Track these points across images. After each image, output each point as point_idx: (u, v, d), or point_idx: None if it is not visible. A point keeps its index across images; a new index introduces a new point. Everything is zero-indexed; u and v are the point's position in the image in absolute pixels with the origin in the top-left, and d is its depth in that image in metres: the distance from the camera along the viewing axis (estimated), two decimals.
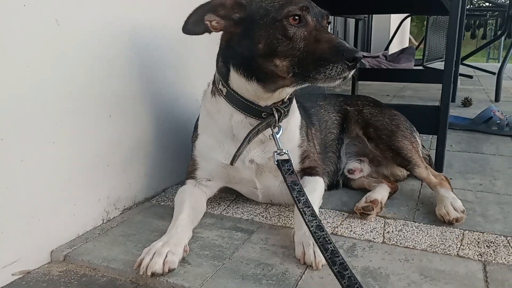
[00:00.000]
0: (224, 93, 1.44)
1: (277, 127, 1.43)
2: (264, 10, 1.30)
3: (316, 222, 1.21)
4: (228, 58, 1.41)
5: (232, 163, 1.44)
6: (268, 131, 1.44)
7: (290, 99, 1.49)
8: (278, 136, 1.42)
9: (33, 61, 1.22)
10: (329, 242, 1.15)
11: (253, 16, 1.31)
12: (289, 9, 1.27)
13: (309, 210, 1.25)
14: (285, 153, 1.40)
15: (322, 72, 1.23)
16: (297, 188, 1.31)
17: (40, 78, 1.25)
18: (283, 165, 1.38)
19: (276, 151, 1.40)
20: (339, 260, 1.11)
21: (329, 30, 1.36)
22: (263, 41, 1.29)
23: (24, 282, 1.20)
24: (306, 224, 1.21)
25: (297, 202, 1.27)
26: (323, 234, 1.17)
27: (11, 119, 1.18)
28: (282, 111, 1.43)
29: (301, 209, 1.25)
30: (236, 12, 1.33)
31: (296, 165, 1.55)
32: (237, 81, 1.41)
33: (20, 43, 1.18)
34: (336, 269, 1.08)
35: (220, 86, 1.45)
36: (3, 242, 1.18)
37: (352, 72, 1.24)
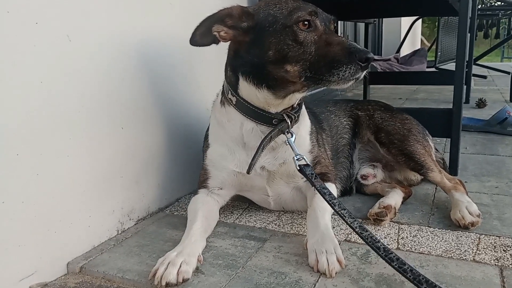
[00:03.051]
0: (234, 102, 1.45)
1: (290, 133, 1.44)
2: (272, 17, 1.31)
3: (358, 223, 1.24)
4: (237, 67, 1.42)
5: (248, 171, 1.44)
6: (279, 137, 1.45)
7: (299, 105, 1.50)
8: (292, 140, 1.43)
9: (46, 77, 1.25)
10: (377, 240, 1.19)
11: (262, 24, 1.33)
12: (298, 14, 1.28)
13: (347, 212, 1.27)
14: (303, 157, 1.41)
15: (336, 74, 1.24)
16: (327, 192, 1.33)
17: (53, 93, 1.28)
18: (306, 169, 1.39)
19: (295, 157, 1.40)
20: (394, 256, 1.14)
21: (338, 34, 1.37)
22: (274, 48, 1.30)
23: None
24: (350, 226, 1.24)
25: (333, 206, 1.30)
26: (369, 234, 1.20)
27: (26, 134, 1.21)
28: (293, 117, 1.44)
29: (339, 212, 1.27)
30: (244, 21, 1.35)
31: None
32: (246, 89, 1.41)
33: (33, 59, 1.21)
34: (395, 265, 1.12)
35: (230, 96, 1.46)
36: (20, 254, 1.21)
37: (365, 72, 1.26)
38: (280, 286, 1.18)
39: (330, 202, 1.30)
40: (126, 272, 1.28)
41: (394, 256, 1.14)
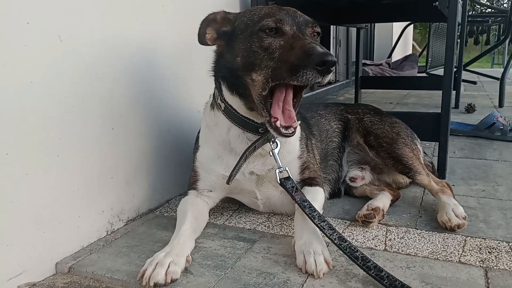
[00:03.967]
0: (223, 108, 1.47)
1: (276, 143, 1.45)
2: (245, 24, 1.34)
3: (337, 234, 1.27)
4: (217, 72, 1.47)
5: (228, 182, 1.46)
6: (268, 145, 1.46)
7: None
8: (276, 151, 1.44)
9: (37, 77, 1.25)
10: (355, 250, 1.22)
11: (236, 30, 1.36)
12: (263, 22, 1.29)
13: (326, 224, 1.30)
14: (285, 170, 1.43)
15: (295, 80, 1.22)
16: (307, 205, 1.35)
17: (44, 93, 1.28)
18: (286, 183, 1.41)
19: (277, 169, 1.43)
20: (371, 264, 1.18)
21: (316, 39, 1.35)
22: (241, 54, 1.32)
23: None
24: (329, 238, 1.27)
25: (312, 219, 1.32)
26: (348, 244, 1.24)
27: (16, 134, 1.21)
28: None
29: (318, 225, 1.30)
30: (225, 26, 1.40)
31: (296, 176, 1.58)
32: (228, 95, 1.45)
33: (24, 59, 1.22)
34: (373, 273, 1.16)
35: (219, 101, 1.49)
36: (8, 254, 1.21)
37: (328, 77, 1.20)
38: (268, 287, 1.19)
39: (310, 215, 1.33)
40: (115, 272, 1.28)
41: (371, 264, 1.18)
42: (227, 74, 1.41)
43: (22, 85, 1.22)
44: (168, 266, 1.22)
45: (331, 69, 1.19)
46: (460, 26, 3.79)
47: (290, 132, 1.29)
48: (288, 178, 1.43)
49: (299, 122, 1.42)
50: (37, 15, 1.24)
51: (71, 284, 1.26)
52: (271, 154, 1.44)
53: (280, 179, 1.43)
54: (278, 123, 1.29)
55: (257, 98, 1.32)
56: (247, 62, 1.31)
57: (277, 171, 1.43)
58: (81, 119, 1.41)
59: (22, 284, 1.24)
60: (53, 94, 1.31)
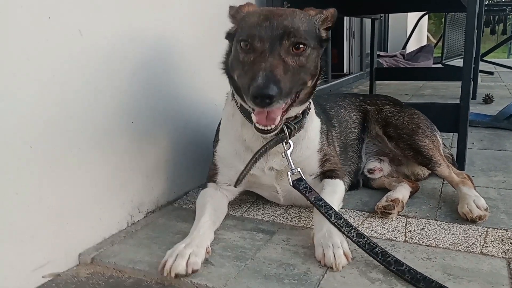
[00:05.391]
0: (238, 105, 1.46)
1: (288, 144, 1.43)
2: (238, 29, 1.34)
3: (355, 231, 1.27)
4: (226, 66, 1.46)
5: (235, 185, 1.47)
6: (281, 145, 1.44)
7: (303, 113, 1.48)
8: (289, 152, 1.42)
9: (59, 71, 1.27)
10: (374, 245, 1.22)
11: (237, 31, 1.36)
12: (240, 34, 1.29)
13: (343, 222, 1.30)
14: (298, 171, 1.42)
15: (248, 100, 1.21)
16: (322, 204, 1.35)
17: (66, 87, 1.29)
18: (299, 184, 1.41)
19: (289, 171, 1.42)
20: (392, 259, 1.18)
21: (301, 52, 1.26)
22: (231, 57, 1.34)
23: (54, 284, 1.24)
24: (347, 236, 1.27)
25: (328, 217, 1.32)
26: (366, 240, 1.24)
27: (39, 127, 1.22)
28: (293, 128, 1.43)
29: (335, 223, 1.30)
30: (233, 22, 1.42)
31: (316, 168, 1.58)
32: (235, 92, 1.44)
33: (46, 54, 1.23)
34: (393, 268, 1.16)
35: (236, 98, 1.47)
36: (33, 245, 1.23)
37: (271, 107, 1.17)
38: (288, 277, 1.19)
39: (326, 214, 1.32)
40: (137, 263, 1.30)
41: (392, 259, 1.18)
42: (228, 68, 1.41)
43: (44, 79, 1.23)
44: (189, 257, 1.22)
45: (267, 101, 1.13)
46: (477, 16, 3.72)
47: (268, 128, 1.26)
48: (301, 179, 1.42)
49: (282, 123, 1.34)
50: (58, 10, 1.25)
51: (94, 275, 1.28)
52: (283, 156, 1.43)
53: (292, 181, 1.42)
54: (255, 118, 1.26)
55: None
56: (233, 65, 1.33)
57: (289, 173, 1.42)
58: (101, 112, 1.42)
59: (46, 274, 1.27)
60: (74, 88, 1.32)
